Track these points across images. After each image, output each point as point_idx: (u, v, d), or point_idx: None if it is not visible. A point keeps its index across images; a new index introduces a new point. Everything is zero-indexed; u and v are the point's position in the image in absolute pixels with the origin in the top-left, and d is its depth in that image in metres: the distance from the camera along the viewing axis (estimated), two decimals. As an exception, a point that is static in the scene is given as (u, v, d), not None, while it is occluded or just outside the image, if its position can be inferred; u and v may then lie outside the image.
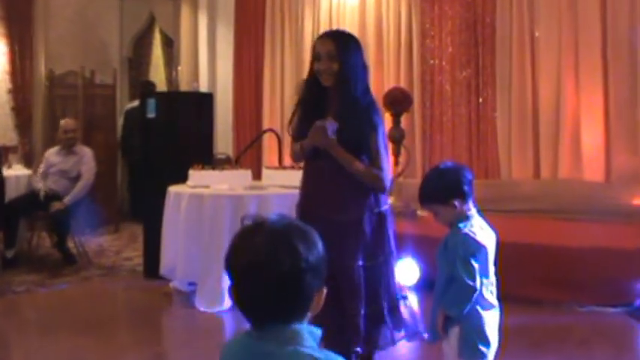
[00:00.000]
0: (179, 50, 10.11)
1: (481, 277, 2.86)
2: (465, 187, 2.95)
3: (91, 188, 7.46)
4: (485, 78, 7.87)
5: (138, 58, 11.23)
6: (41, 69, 9.75)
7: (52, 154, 7.50)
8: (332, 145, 3.34)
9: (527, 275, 5.62)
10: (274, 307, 1.55)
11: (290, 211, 3.55)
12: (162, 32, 10.98)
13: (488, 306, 2.92)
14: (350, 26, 8.38)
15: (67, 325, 5.33)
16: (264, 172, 6.46)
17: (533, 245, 5.82)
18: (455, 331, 2.91)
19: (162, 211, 5.95)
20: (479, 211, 3.01)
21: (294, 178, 4.64)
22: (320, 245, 1.60)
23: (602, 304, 5.36)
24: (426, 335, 3.35)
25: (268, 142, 9.17)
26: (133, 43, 11.11)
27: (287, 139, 8.51)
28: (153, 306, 5.88)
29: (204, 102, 7.32)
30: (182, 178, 6.12)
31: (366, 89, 3.48)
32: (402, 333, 3.54)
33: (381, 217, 3.45)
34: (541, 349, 4.64)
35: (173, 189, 5.97)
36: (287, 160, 6.80)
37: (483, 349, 2.88)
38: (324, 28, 8.77)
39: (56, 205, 7.08)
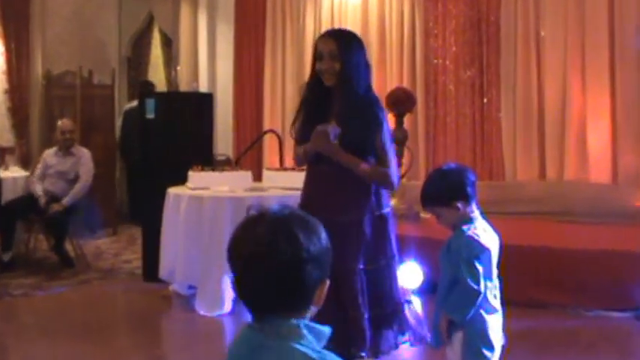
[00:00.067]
0: (178, 50, 10.11)
1: (485, 280, 2.86)
2: (468, 189, 2.96)
3: (89, 190, 7.47)
4: (490, 78, 7.88)
5: (137, 58, 11.23)
6: (38, 69, 9.74)
7: (50, 156, 7.51)
8: (335, 151, 3.35)
9: (532, 278, 5.63)
10: (274, 298, 1.56)
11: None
12: (161, 31, 10.99)
13: (492, 310, 2.92)
14: (352, 25, 8.38)
15: (65, 329, 5.34)
16: (265, 173, 6.46)
17: (539, 248, 5.82)
18: (458, 337, 2.90)
19: (161, 213, 5.95)
20: (482, 214, 3.01)
21: (296, 179, 4.66)
22: (323, 237, 1.61)
23: (609, 308, 5.36)
24: (428, 339, 3.36)
25: (269, 143, 9.17)
26: (131, 42, 11.11)
27: (288, 140, 8.54)
28: (152, 309, 5.88)
29: (204, 102, 7.32)
30: (181, 180, 6.12)
31: (369, 88, 3.50)
32: (407, 337, 3.55)
33: (382, 220, 3.46)
34: (546, 353, 4.64)
35: (172, 191, 5.97)
36: (288, 162, 6.81)
37: (487, 353, 2.88)
38: (325, 27, 8.77)
39: (54, 207, 7.08)
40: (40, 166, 7.50)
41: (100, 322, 5.53)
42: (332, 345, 1.63)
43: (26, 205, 7.20)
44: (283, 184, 5.94)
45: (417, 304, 5.36)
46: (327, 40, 3.47)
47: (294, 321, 1.58)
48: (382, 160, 3.41)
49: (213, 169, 6.22)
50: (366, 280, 3.39)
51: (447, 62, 8.14)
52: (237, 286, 1.60)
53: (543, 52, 7.50)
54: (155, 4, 10.70)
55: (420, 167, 8.00)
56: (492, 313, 2.92)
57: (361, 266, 3.38)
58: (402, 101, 7.00)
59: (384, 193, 3.51)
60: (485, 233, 2.93)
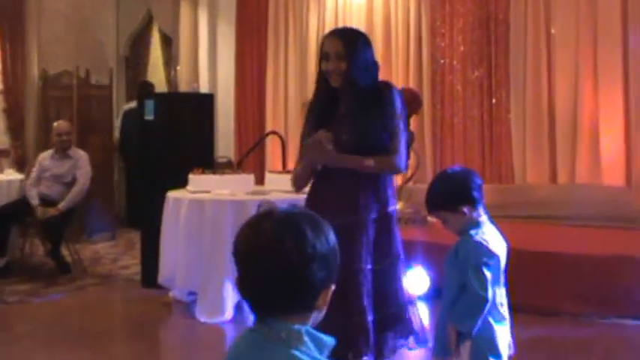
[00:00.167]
0: (178, 49, 10.11)
1: (493, 287, 2.84)
2: (474, 193, 2.94)
3: (87, 194, 7.45)
4: (499, 78, 7.86)
5: (135, 58, 11.24)
6: (34, 69, 9.74)
7: (46, 158, 7.49)
8: (332, 158, 3.39)
9: (544, 285, 5.61)
10: (277, 297, 1.56)
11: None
12: (160, 30, 10.99)
13: (500, 319, 2.90)
14: (357, 24, 8.35)
15: (62, 337, 5.32)
16: (267, 176, 6.45)
17: (550, 253, 5.80)
18: (466, 346, 2.87)
19: (160, 218, 5.95)
20: (490, 218, 2.99)
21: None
22: (332, 238, 1.61)
23: (624, 316, 5.35)
24: (430, 344, 3.35)
25: (271, 146, 9.16)
26: (130, 41, 11.12)
27: (291, 142, 8.56)
28: (151, 317, 5.87)
29: (204, 103, 7.33)
30: (182, 183, 6.11)
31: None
32: (409, 341, 3.56)
33: (387, 218, 3.49)
34: (559, 362, 4.63)
35: (172, 194, 5.97)
36: (291, 164, 6.80)
37: (494, 361, 2.86)
38: (329, 25, 8.76)
39: (50, 211, 7.07)
40: (35, 169, 7.48)
41: (97, 330, 5.51)
42: (332, 350, 1.63)
43: (21, 209, 7.19)
44: (286, 187, 5.89)
45: (420, 307, 5.38)
46: (333, 40, 3.48)
47: (295, 326, 1.57)
48: (392, 146, 3.42)
49: (214, 172, 6.22)
50: (371, 281, 3.40)
51: (455, 62, 8.12)
52: (241, 283, 1.60)
53: (554, 51, 7.49)
54: (154, 2, 10.70)
55: (427, 170, 7.98)
56: (501, 322, 2.89)
57: (369, 266, 3.39)
58: (408, 102, 6.91)
59: (390, 191, 3.52)
60: (493, 238, 2.92)
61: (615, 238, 6.19)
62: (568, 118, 7.37)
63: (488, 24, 7.91)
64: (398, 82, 8.22)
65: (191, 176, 6.08)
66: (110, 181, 9.81)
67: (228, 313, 5.50)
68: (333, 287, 1.62)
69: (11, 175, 8.18)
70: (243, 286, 1.60)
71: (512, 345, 2.96)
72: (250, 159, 8.55)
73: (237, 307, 5.51)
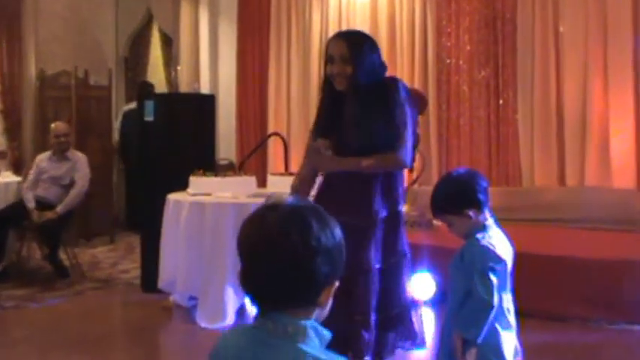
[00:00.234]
0: (179, 49, 10.12)
1: (500, 292, 2.84)
2: (480, 196, 2.94)
3: (85, 196, 7.46)
4: (506, 78, 7.86)
5: (135, 58, 11.26)
6: (31, 69, 9.76)
7: (43, 160, 7.50)
8: (330, 163, 3.44)
9: (551, 290, 5.61)
10: (281, 290, 1.57)
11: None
12: (160, 30, 11.01)
13: (507, 325, 2.90)
14: (361, 23, 8.40)
15: (59, 342, 5.33)
16: (270, 178, 6.46)
17: (558, 257, 5.80)
18: (472, 353, 2.87)
19: (160, 221, 5.96)
20: (496, 221, 2.99)
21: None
22: (337, 233, 1.63)
23: (633, 322, 5.34)
24: (428, 346, 3.37)
25: (274, 147, 9.17)
26: (129, 41, 11.14)
27: (294, 144, 8.57)
28: (151, 322, 5.87)
29: (205, 104, 7.33)
30: (182, 186, 6.12)
31: None
32: (409, 343, 3.59)
33: (395, 217, 3.53)
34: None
35: (173, 197, 5.98)
36: (294, 166, 6.81)
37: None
38: (333, 24, 8.79)
39: (48, 215, 7.08)
40: (32, 171, 7.48)
41: (96, 336, 5.52)
42: (331, 349, 1.64)
43: (18, 212, 7.20)
44: (289, 189, 5.92)
45: (426, 313, 5.38)
46: (338, 42, 3.50)
47: (301, 321, 1.59)
48: (397, 142, 3.45)
49: (215, 175, 6.22)
50: (378, 280, 3.44)
51: (461, 62, 8.13)
52: (244, 276, 1.61)
53: (562, 50, 7.49)
54: (154, 1, 10.72)
55: (433, 172, 7.98)
56: (507, 329, 2.90)
57: (377, 265, 3.42)
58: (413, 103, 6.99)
59: (398, 190, 3.55)
60: (500, 242, 2.92)
61: (625, 242, 6.19)
62: (577, 118, 7.37)
63: (495, 23, 7.91)
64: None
65: (192, 178, 6.09)
66: (109, 184, 9.82)
67: (230, 318, 5.50)
68: (336, 284, 1.63)
69: (8, 177, 8.20)
70: (247, 279, 1.61)
71: (519, 350, 2.96)
72: (252, 161, 8.57)
73: (239, 312, 5.52)
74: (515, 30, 7.78)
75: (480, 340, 2.82)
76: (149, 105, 6.86)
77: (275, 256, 1.56)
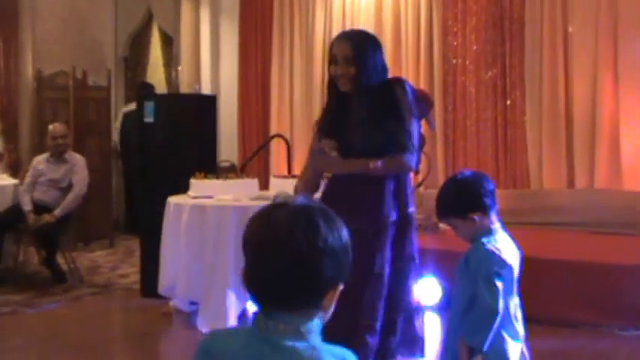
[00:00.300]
0: (179, 49, 10.14)
1: (506, 298, 2.83)
2: (486, 200, 2.93)
3: (84, 199, 7.47)
4: (513, 78, 7.85)
5: (134, 58, 11.27)
6: (28, 69, 9.75)
7: (41, 162, 7.51)
8: (339, 166, 3.42)
9: (560, 294, 5.61)
10: (285, 289, 1.58)
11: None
12: (160, 29, 11.02)
13: (514, 335, 2.89)
14: (365, 23, 8.40)
15: (57, 349, 5.33)
16: (272, 181, 6.47)
17: (567, 261, 5.80)
18: (478, 360, 2.87)
19: (161, 224, 5.96)
20: (503, 225, 2.99)
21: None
22: (345, 235, 1.64)
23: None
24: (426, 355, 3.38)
25: (276, 149, 9.17)
26: (129, 41, 11.16)
27: (296, 146, 8.58)
28: (151, 328, 5.87)
29: (206, 105, 7.34)
30: (183, 188, 6.13)
31: None
32: (410, 351, 3.59)
33: (406, 220, 3.53)
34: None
35: (173, 200, 5.98)
36: (297, 169, 6.81)
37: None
38: (337, 24, 8.79)
39: (45, 218, 7.08)
40: (30, 173, 7.49)
41: (94, 342, 5.52)
42: None
43: (15, 215, 7.21)
44: (291, 192, 5.92)
45: (432, 318, 5.38)
46: (341, 43, 3.51)
47: (309, 323, 1.59)
48: (404, 146, 3.45)
49: (216, 177, 6.22)
50: (387, 285, 3.45)
51: (467, 62, 8.13)
52: (248, 274, 1.62)
53: (571, 50, 7.48)
54: (154, 0, 10.73)
55: (439, 174, 7.98)
56: (515, 340, 2.88)
57: (387, 270, 3.42)
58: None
59: (408, 193, 3.56)
60: (506, 247, 2.91)
61: (636, 246, 6.18)
62: (586, 120, 7.36)
63: (502, 22, 7.91)
64: (408, 82, 8.24)
65: (193, 181, 6.10)
66: (108, 186, 9.82)
67: (232, 323, 5.50)
68: (341, 287, 1.63)
69: (5, 180, 8.19)
70: (251, 277, 1.61)
71: (527, 357, 2.95)
72: (254, 163, 8.58)
73: (241, 318, 5.52)
74: (523, 29, 7.77)
75: (485, 348, 2.80)
76: (149, 106, 6.87)
77: (281, 254, 1.56)
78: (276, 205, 1.65)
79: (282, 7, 9.50)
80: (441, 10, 8.23)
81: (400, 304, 3.51)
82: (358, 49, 3.46)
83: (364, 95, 3.46)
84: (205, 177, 6.11)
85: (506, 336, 2.86)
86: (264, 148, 8.68)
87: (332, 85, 3.58)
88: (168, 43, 10.76)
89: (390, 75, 3.70)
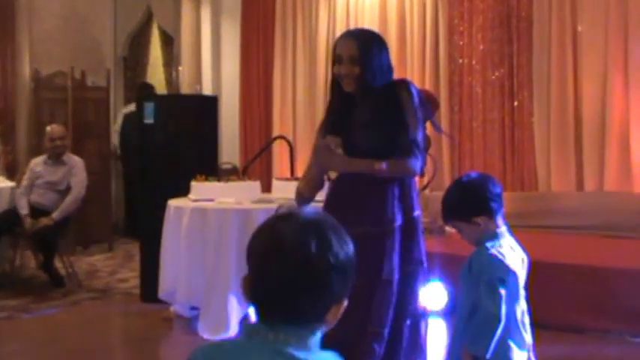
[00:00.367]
0: (180, 49, 10.15)
1: (512, 305, 2.83)
2: (491, 203, 2.93)
3: (82, 202, 7.48)
4: (521, 79, 7.85)
5: (134, 58, 11.29)
6: (25, 69, 9.76)
7: (38, 165, 7.51)
8: (343, 163, 3.42)
9: (568, 300, 5.60)
10: (291, 301, 1.57)
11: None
12: (160, 29, 11.04)
13: (522, 344, 2.88)
14: (370, 22, 8.40)
15: (54, 355, 5.35)
16: (275, 183, 6.47)
17: (576, 266, 5.79)
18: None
19: (161, 228, 5.97)
20: (509, 229, 2.99)
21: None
22: (351, 249, 1.63)
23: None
24: None
25: (279, 151, 9.18)
26: (128, 40, 11.17)
27: (299, 148, 8.58)
28: (151, 333, 5.88)
29: (207, 106, 7.35)
30: (183, 191, 6.14)
31: None
32: (414, 358, 3.60)
33: (412, 224, 3.53)
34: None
35: (173, 203, 5.99)
36: (299, 171, 6.81)
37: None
38: (340, 24, 8.79)
39: (43, 221, 7.09)
40: (27, 176, 7.49)
41: (93, 348, 5.53)
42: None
43: (11, 219, 7.21)
44: (294, 194, 5.93)
45: (438, 324, 5.38)
46: (346, 42, 3.51)
47: (313, 337, 1.59)
48: (409, 150, 3.46)
49: (218, 179, 6.23)
50: (396, 291, 3.45)
51: (474, 62, 8.13)
52: (251, 285, 1.60)
53: (580, 50, 7.47)
54: (154, -1, 10.76)
55: (445, 177, 7.97)
56: (521, 347, 2.88)
57: (397, 276, 3.42)
58: (424, 105, 6.99)
59: (413, 196, 3.56)
60: (511, 252, 2.90)
61: (646, 250, 6.18)
62: (596, 121, 7.35)
63: (509, 21, 7.91)
64: (413, 83, 8.23)
65: (193, 183, 6.10)
66: (107, 189, 9.83)
67: (233, 329, 5.50)
68: (345, 303, 1.63)
69: (1, 182, 8.19)
70: (255, 288, 1.60)
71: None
72: (256, 165, 8.58)
73: (242, 323, 5.52)
74: (530, 28, 7.76)
75: (489, 356, 2.80)
76: (149, 107, 6.87)
77: (288, 266, 1.55)
78: (283, 217, 1.63)
79: (284, 6, 9.50)
80: (446, 8, 8.23)
81: (408, 308, 3.51)
82: (364, 48, 3.46)
83: (368, 96, 3.46)
84: (206, 179, 6.12)
85: (512, 344, 2.85)
86: (266, 150, 8.68)
87: (335, 85, 3.58)
88: (169, 42, 10.77)
89: (395, 75, 3.69)
